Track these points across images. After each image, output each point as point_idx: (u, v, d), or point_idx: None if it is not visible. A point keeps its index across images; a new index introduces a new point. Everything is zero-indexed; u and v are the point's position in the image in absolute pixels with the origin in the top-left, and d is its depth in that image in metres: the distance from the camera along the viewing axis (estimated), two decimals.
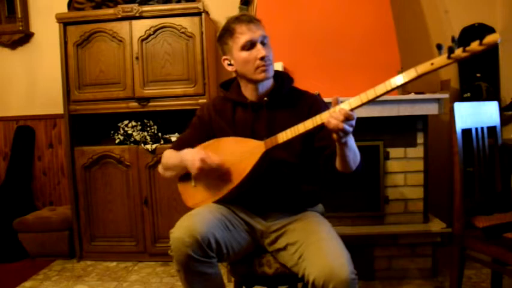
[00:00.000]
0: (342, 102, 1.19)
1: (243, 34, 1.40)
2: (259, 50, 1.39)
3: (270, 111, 1.47)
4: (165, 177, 1.58)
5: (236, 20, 1.42)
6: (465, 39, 2.94)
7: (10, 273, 2.57)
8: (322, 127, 1.41)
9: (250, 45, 1.40)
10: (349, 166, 1.28)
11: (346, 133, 1.15)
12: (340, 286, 1.15)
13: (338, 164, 1.30)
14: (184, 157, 1.44)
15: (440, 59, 1.06)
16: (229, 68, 1.49)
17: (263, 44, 1.41)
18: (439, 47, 1.07)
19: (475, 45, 0.99)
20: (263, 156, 1.36)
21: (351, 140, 1.22)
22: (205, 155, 1.37)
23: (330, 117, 1.15)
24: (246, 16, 1.43)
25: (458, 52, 1.01)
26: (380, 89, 1.14)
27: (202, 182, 1.48)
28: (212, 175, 1.43)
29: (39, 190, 3.18)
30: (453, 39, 1.03)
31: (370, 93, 1.16)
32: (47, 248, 2.77)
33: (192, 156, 1.39)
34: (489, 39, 0.97)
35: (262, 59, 1.39)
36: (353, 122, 1.15)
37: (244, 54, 1.40)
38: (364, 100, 1.16)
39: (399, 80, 1.12)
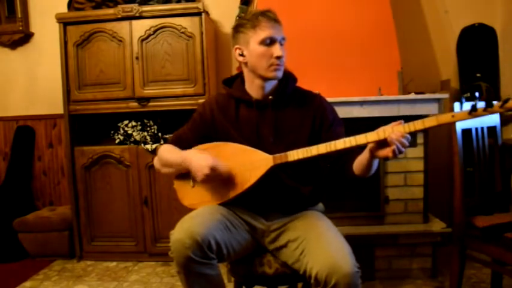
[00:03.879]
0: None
1: (267, 29, 1.38)
2: (277, 49, 1.38)
3: (275, 111, 1.46)
4: (161, 173, 1.55)
5: (263, 14, 1.41)
6: (466, 40, 2.92)
7: (10, 273, 2.57)
8: (328, 130, 1.42)
9: (270, 42, 1.39)
10: (369, 173, 1.31)
11: (401, 152, 1.18)
12: (343, 279, 1.15)
13: (359, 170, 1.32)
14: (189, 159, 1.40)
15: (462, 114, 1.14)
16: (240, 58, 1.46)
17: (281, 45, 1.41)
18: (461, 100, 1.21)
19: (496, 108, 1.09)
20: (268, 170, 1.37)
21: None
22: (216, 163, 1.35)
23: (396, 141, 1.16)
24: (272, 14, 1.42)
25: (480, 111, 1.10)
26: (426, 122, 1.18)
27: (201, 184, 1.47)
28: (214, 182, 1.42)
29: (39, 190, 3.18)
30: (475, 96, 1.13)
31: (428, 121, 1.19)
32: (47, 248, 2.77)
33: (200, 162, 1.36)
34: (510, 104, 1.06)
35: (278, 58, 1.39)
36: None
37: (262, 48, 1.39)
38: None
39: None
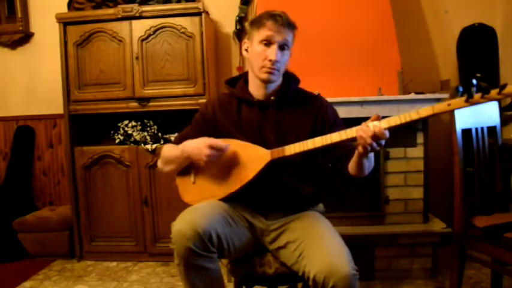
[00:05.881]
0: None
1: (269, 30, 1.39)
2: (273, 52, 1.38)
3: (277, 111, 1.47)
4: (164, 172, 1.56)
5: (272, 16, 1.40)
6: (466, 40, 2.91)
7: (10, 273, 2.57)
8: (329, 131, 1.43)
9: (267, 43, 1.39)
10: (363, 173, 1.30)
11: (373, 150, 1.17)
12: (341, 282, 1.15)
13: (352, 169, 1.32)
14: (187, 147, 1.42)
15: (458, 102, 1.08)
16: (244, 53, 1.49)
17: (282, 48, 1.41)
18: (458, 89, 1.11)
19: (493, 94, 1.02)
20: (267, 165, 1.37)
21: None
22: (212, 141, 1.36)
23: (360, 130, 1.16)
24: (283, 18, 1.41)
25: (477, 98, 1.04)
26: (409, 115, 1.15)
27: (202, 180, 1.48)
28: (215, 169, 1.42)
29: (39, 190, 3.18)
30: (473, 84, 1.05)
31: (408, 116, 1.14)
32: (47, 248, 2.77)
33: (197, 145, 1.38)
34: (508, 89, 1.00)
35: (270, 61, 1.39)
36: (383, 142, 1.17)
37: (260, 48, 1.40)
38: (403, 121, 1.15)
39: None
